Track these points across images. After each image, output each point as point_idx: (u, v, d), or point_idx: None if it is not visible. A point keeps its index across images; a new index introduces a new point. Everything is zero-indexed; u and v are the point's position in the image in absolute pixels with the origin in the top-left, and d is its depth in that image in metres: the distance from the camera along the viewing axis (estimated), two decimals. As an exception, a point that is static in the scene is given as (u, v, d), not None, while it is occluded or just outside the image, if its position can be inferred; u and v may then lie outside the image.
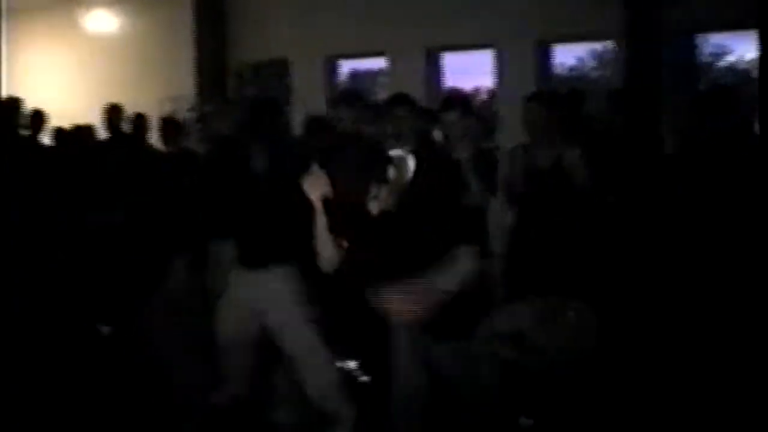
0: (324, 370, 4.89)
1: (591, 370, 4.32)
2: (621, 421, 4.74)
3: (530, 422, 4.34)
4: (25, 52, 14.92)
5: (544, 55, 9.78)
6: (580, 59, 10.87)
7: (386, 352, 4.57)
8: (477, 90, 11.24)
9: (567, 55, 10.43)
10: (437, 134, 5.80)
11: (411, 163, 4.03)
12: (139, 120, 8.67)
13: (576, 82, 10.51)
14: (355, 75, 12.14)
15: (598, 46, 10.49)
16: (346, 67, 11.86)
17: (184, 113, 9.97)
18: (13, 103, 8.69)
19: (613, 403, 4.72)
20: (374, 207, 3.92)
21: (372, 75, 12.18)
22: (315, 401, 4.90)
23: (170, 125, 8.07)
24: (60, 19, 13.96)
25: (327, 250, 3.95)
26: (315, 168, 3.87)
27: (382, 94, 10.74)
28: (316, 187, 3.87)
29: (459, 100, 6.16)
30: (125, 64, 13.14)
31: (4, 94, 9.49)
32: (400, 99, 5.67)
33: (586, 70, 10.90)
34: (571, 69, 10.73)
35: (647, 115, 7.14)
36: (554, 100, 6.09)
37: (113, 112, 9.13)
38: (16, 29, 15.01)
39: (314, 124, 6.46)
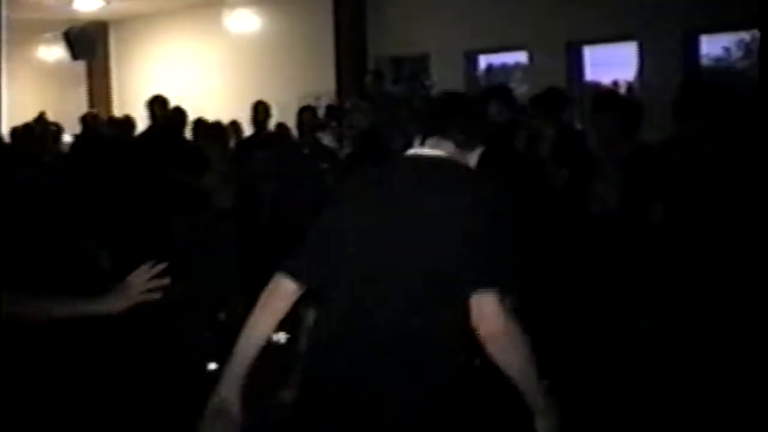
0: None
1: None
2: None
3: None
4: (172, 50, 15.45)
5: (690, 46, 9.56)
6: (727, 49, 10.53)
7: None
8: (615, 83, 11.04)
9: (713, 46, 10.12)
10: None
11: None
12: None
13: (722, 73, 10.19)
14: (490, 69, 12.08)
15: (745, 35, 10.13)
16: (483, 61, 11.84)
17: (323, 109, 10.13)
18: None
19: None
20: None
21: (507, 69, 12.10)
22: None
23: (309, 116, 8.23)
24: (204, 19, 14.37)
25: None
26: None
27: (519, 89, 10.67)
28: None
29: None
30: (267, 61, 13.43)
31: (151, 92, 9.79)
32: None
33: (733, 60, 10.55)
34: (718, 60, 10.40)
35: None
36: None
37: (262, 108, 9.40)
38: (163, 29, 15.55)
39: None
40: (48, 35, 16.07)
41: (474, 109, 3.06)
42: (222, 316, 7.18)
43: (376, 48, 12.04)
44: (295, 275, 2.83)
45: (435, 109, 3.03)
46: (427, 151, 2.90)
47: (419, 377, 2.65)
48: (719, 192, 4.83)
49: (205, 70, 14.68)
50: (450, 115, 2.94)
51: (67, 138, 10.63)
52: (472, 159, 2.95)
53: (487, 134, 3.03)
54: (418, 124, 3.01)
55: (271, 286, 2.84)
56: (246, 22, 13.46)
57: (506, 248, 2.68)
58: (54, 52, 16.36)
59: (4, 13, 10.72)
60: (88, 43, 15.66)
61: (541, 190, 5.66)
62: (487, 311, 2.57)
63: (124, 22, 16.30)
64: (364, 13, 12.14)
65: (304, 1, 12.91)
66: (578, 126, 9.16)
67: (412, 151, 2.96)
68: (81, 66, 16.59)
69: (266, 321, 2.84)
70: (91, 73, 16.90)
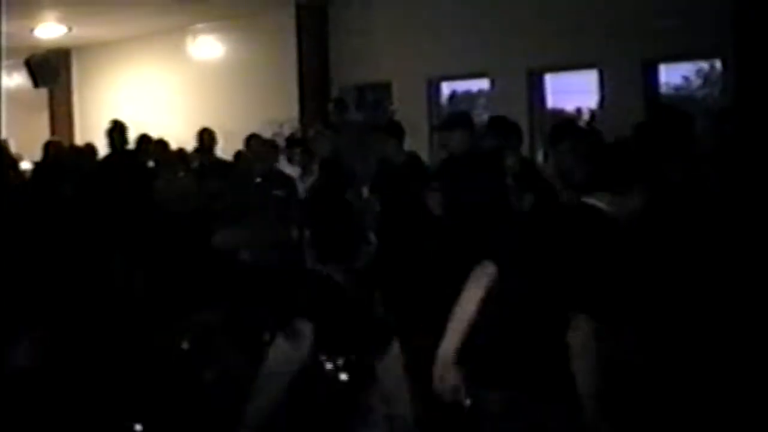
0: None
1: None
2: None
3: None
4: (134, 77, 15.37)
5: (650, 75, 9.65)
6: (686, 78, 10.66)
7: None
8: (579, 111, 11.12)
9: (673, 74, 10.23)
10: None
11: None
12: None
13: (682, 101, 10.29)
14: (453, 97, 12.13)
15: (704, 64, 10.26)
16: (446, 89, 11.89)
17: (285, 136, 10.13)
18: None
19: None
20: None
21: (471, 96, 12.16)
22: None
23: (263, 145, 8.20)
24: (167, 46, 14.34)
25: None
26: None
27: (483, 116, 10.72)
28: None
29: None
30: (230, 88, 13.40)
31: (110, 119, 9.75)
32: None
33: (692, 89, 10.67)
34: (677, 88, 10.51)
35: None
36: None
37: (208, 136, 9.37)
38: (126, 56, 15.48)
39: None
40: (9, 62, 15.93)
41: (622, 160, 3.74)
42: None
43: (339, 75, 12.05)
44: (495, 260, 3.61)
45: (595, 164, 3.83)
46: (587, 200, 3.67)
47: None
48: (680, 219, 4.86)
49: (168, 97, 14.63)
50: (602, 169, 3.73)
51: (25, 165, 10.54)
52: (630, 202, 3.63)
53: (638, 179, 3.64)
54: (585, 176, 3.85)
55: (477, 268, 3.63)
56: (209, 49, 13.45)
57: (602, 283, 3.48)
58: (15, 80, 16.23)
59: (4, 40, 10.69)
60: (50, 70, 15.55)
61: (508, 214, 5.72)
62: (574, 325, 3.43)
63: (87, 49, 16.22)
64: (327, 40, 12.16)
65: (268, 28, 12.92)
66: (540, 153, 9.23)
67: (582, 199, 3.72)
68: (43, 93, 16.47)
69: (476, 293, 3.57)
70: (53, 101, 16.78)
